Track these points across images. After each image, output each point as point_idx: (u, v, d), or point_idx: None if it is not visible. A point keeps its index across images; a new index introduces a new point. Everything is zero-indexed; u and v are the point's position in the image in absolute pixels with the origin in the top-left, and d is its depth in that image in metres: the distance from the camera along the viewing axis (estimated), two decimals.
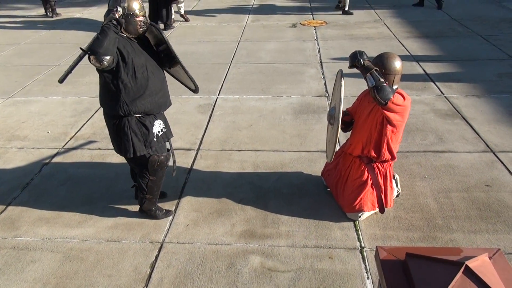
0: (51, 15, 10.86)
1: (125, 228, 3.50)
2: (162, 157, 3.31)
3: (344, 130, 3.54)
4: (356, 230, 3.37)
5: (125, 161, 4.35)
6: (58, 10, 11.08)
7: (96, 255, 3.24)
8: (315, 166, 4.22)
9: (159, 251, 3.26)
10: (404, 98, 3.04)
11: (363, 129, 3.32)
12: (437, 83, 6.00)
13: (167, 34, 9.04)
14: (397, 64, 3.16)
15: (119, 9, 2.95)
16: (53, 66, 7.35)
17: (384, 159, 3.34)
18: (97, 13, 11.12)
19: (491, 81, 5.99)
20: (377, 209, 3.43)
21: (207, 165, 4.32)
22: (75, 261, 3.19)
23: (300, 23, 9.45)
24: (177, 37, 8.86)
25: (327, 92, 5.86)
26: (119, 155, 4.45)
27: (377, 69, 3.04)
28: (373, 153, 3.32)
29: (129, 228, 3.51)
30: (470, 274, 1.47)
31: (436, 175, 3.99)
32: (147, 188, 3.40)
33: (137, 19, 3.04)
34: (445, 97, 5.57)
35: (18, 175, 4.28)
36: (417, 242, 3.21)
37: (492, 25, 8.57)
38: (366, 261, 3.07)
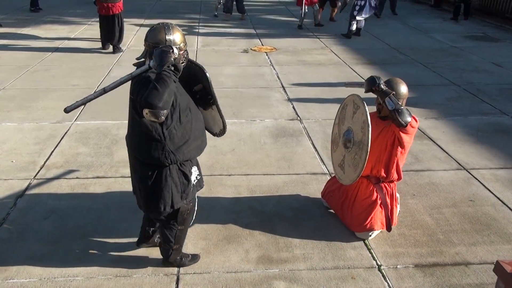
0: None
1: (131, 262, 3.28)
2: (191, 204, 3.04)
3: None
4: (368, 249, 3.46)
5: (112, 191, 4.16)
6: None
7: None
8: (309, 188, 4.29)
9: (177, 283, 3.10)
10: (416, 121, 3.23)
11: (372, 150, 3.45)
12: None
13: (116, 57, 8.76)
14: (405, 89, 3.37)
15: (176, 50, 2.57)
16: None
17: (391, 179, 3.50)
18: (32, 34, 10.47)
19: (443, 104, 6.52)
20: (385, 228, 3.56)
21: (200, 191, 4.18)
22: None
23: (251, 49, 9.63)
24: (129, 60, 8.56)
25: (298, 116, 6.00)
26: (101, 184, 4.24)
27: (394, 93, 3.21)
28: (382, 173, 3.46)
29: (136, 261, 3.29)
30: None
31: (424, 193, 4.24)
32: (175, 239, 3.07)
33: (181, 52, 2.72)
34: None
35: None
36: (427, 257, 3.38)
37: (427, 54, 9.37)
38: (387, 278, 3.16)
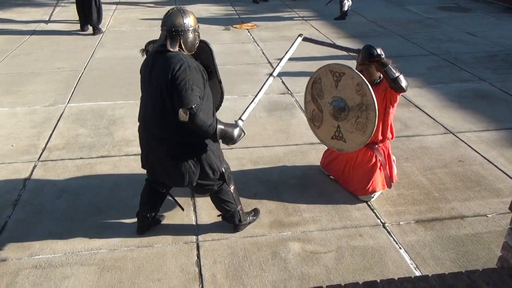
0: None
1: (151, 233, 3.43)
2: (226, 162, 3.26)
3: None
4: (371, 209, 3.71)
5: (118, 168, 4.26)
6: None
7: (133, 262, 3.15)
8: (309, 157, 4.49)
9: (198, 250, 3.27)
10: None
11: None
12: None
13: (97, 39, 8.67)
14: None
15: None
16: None
17: (387, 139, 3.72)
18: (4, 18, 10.20)
19: (424, 74, 6.80)
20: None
21: None
22: (114, 270, 3.07)
23: (232, 26, 9.67)
24: (111, 41, 8.53)
25: (289, 90, 6.17)
26: (107, 163, 4.33)
27: (391, 61, 3.39)
28: (379, 136, 3.68)
29: (154, 232, 3.44)
30: None
31: (416, 156, 4.51)
32: (235, 200, 3.27)
33: (196, 34, 2.93)
34: None
35: (0, 193, 3.91)
36: (426, 214, 3.65)
37: (404, 26, 9.63)
38: (392, 234, 3.42)
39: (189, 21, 2.86)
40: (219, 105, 3.43)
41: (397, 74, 3.32)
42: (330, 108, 3.68)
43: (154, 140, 3.01)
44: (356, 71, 3.42)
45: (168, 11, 2.92)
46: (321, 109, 3.78)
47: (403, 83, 3.31)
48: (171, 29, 2.83)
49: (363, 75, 3.51)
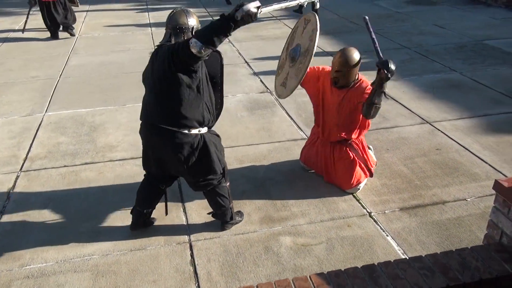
0: None
1: (142, 236, 3.44)
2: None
3: None
4: (357, 200, 3.81)
5: (104, 174, 4.25)
6: None
7: (127, 265, 3.16)
8: (293, 153, 4.57)
9: (191, 249, 3.30)
10: None
11: (342, 117, 3.71)
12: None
13: (70, 46, 8.56)
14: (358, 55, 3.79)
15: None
16: None
17: (361, 135, 3.87)
18: None
19: (398, 67, 6.83)
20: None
21: None
22: (109, 275, 3.08)
23: None
24: (85, 48, 8.44)
25: (268, 88, 6.25)
26: (92, 169, 4.31)
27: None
28: (353, 134, 3.84)
29: (146, 235, 3.46)
30: None
31: (396, 147, 4.65)
32: (229, 196, 3.33)
33: None
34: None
35: None
36: (409, 201, 3.78)
37: (375, 21, 9.82)
38: (378, 222, 3.53)
39: (192, 20, 2.98)
40: (218, 114, 3.45)
41: (379, 105, 3.40)
42: (289, 56, 3.66)
43: (162, 136, 2.99)
44: (317, 19, 3.40)
45: (172, 11, 3.03)
46: (286, 58, 3.77)
47: (374, 114, 3.44)
48: (176, 27, 2.94)
49: (340, 79, 3.64)
